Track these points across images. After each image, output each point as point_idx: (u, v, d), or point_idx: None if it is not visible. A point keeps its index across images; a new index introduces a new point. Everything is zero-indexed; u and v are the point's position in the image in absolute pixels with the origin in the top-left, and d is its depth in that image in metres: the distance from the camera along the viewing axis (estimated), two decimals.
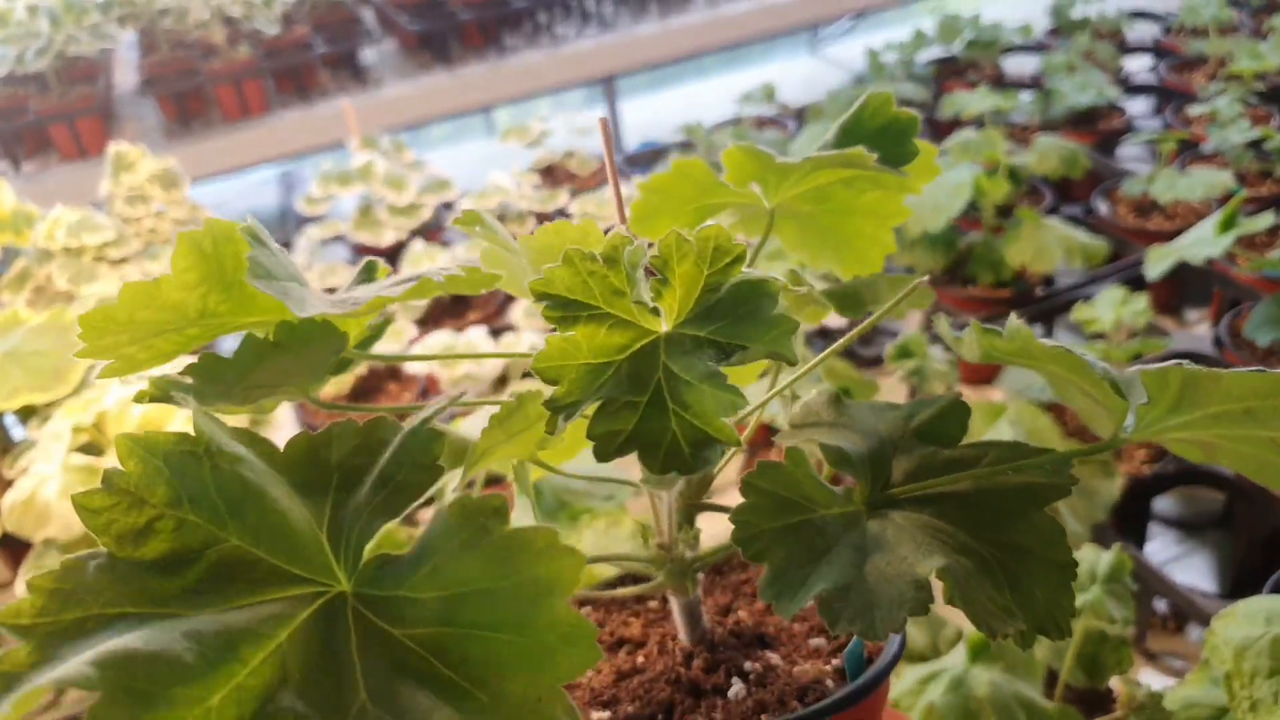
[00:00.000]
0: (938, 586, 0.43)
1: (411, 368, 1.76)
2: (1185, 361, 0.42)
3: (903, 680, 1.01)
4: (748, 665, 0.54)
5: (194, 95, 2.93)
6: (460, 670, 0.34)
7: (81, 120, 2.76)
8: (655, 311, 0.41)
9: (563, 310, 0.40)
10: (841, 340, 0.55)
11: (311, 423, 1.80)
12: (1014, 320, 0.45)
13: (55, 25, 2.65)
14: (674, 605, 0.55)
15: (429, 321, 1.98)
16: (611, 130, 3.31)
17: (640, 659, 0.56)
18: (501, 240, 0.51)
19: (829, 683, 0.52)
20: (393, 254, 2.07)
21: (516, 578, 0.35)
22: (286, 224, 3.23)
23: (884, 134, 0.55)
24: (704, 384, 0.39)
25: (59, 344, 1.46)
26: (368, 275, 0.52)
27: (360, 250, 2.31)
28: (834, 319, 1.64)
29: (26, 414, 1.53)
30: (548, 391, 0.40)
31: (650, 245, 0.43)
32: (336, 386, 1.75)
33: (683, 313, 0.41)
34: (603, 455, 0.39)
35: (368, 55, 3.19)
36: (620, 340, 0.41)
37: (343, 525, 0.39)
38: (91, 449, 1.45)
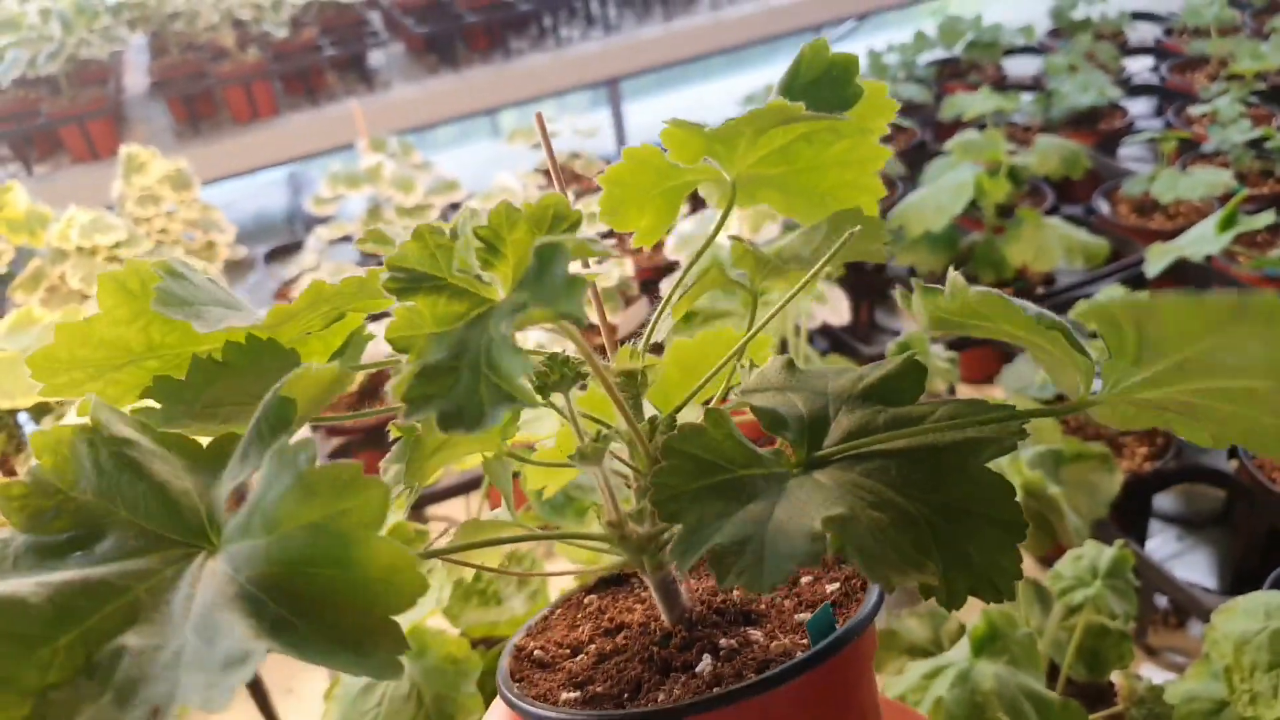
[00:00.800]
0: None
1: None
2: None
3: (908, 676, 1.02)
4: (723, 642, 0.53)
5: (203, 97, 2.96)
6: (288, 605, 0.35)
7: (92, 122, 2.79)
8: (486, 280, 0.42)
9: (404, 282, 0.41)
10: (802, 281, 0.55)
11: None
12: (953, 274, 0.44)
13: (67, 29, 2.68)
14: (649, 584, 0.55)
15: None
16: (613, 130, 3.33)
17: (623, 641, 0.56)
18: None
19: (799, 655, 0.51)
20: None
21: (325, 511, 0.35)
22: (294, 224, 3.26)
23: (823, 81, 0.54)
24: (504, 345, 0.39)
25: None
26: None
27: (367, 251, 2.33)
28: (834, 316, 1.65)
29: (41, 411, 1.55)
30: (403, 360, 0.41)
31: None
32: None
33: (516, 280, 0.41)
34: (410, 414, 0.39)
35: (375, 58, 3.22)
36: (459, 309, 0.41)
37: (218, 493, 0.41)
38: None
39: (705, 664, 0.51)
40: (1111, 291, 1.66)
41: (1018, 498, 0.45)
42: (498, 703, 0.56)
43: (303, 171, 3.45)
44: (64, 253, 1.74)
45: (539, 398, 0.41)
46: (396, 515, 1.23)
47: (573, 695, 0.52)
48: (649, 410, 0.59)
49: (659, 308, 0.57)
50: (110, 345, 0.48)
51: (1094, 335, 0.43)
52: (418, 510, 1.67)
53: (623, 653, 0.55)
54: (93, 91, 2.89)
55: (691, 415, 0.55)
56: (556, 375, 0.51)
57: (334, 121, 2.95)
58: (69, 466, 0.42)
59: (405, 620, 1.04)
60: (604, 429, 0.52)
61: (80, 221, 1.72)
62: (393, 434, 0.57)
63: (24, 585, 0.37)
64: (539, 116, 0.55)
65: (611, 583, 0.64)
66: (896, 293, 0.49)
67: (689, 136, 0.52)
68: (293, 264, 2.20)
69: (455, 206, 2.39)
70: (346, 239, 2.27)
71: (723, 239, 0.59)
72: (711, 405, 0.54)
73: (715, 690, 0.48)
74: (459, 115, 3.15)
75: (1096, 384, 0.44)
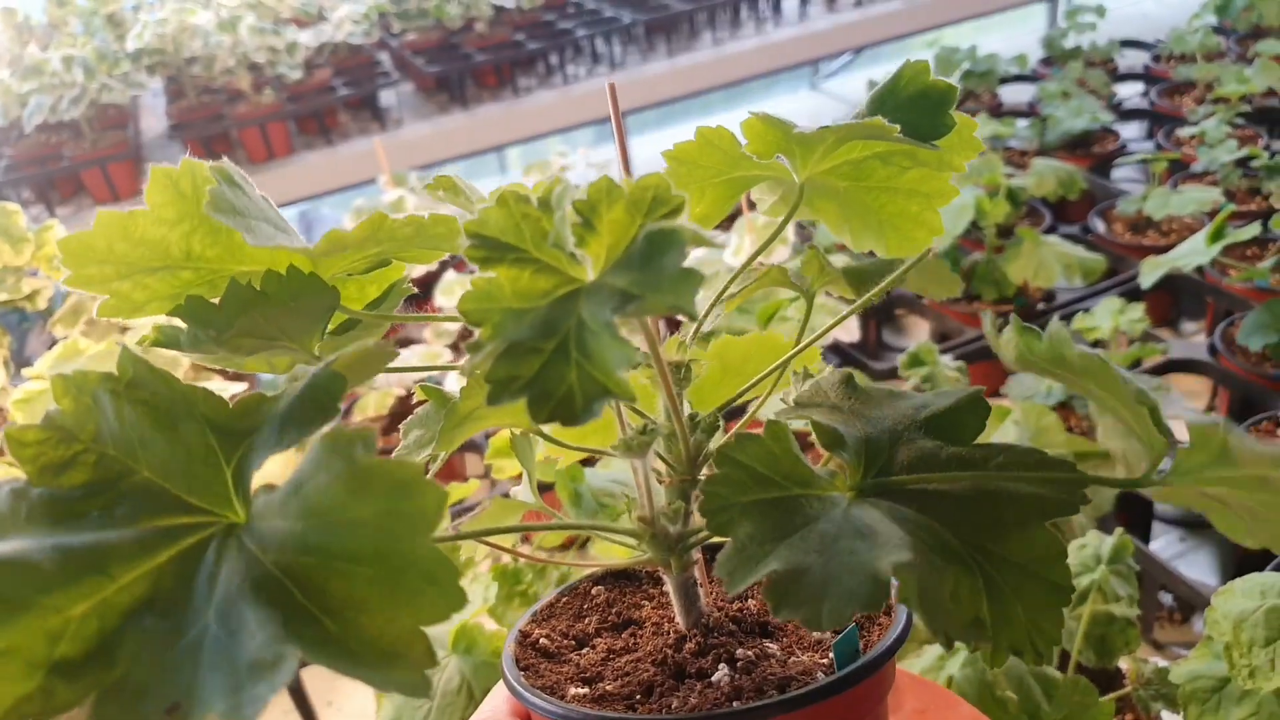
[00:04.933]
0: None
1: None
2: (1227, 422, 0.40)
3: (923, 657, 1.06)
4: (740, 652, 0.51)
5: (220, 139, 3.04)
6: (316, 600, 0.33)
7: (113, 165, 2.87)
8: (579, 259, 0.39)
9: (487, 251, 0.38)
10: (856, 304, 0.54)
11: None
12: (1055, 324, 0.42)
13: (89, 75, 2.76)
14: (669, 584, 0.53)
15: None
16: (619, 164, 3.41)
17: (635, 639, 0.55)
18: (472, 201, 0.51)
19: (820, 675, 0.49)
20: (424, 284, 2.17)
21: (377, 508, 0.33)
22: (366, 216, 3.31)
23: (917, 103, 0.50)
24: (605, 333, 0.35)
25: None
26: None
27: (437, 198, 2.40)
28: (846, 334, 1.71)
29: None
30: (478, 334, 0.38)
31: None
32: (376, 408, 1.84)
33: (610, 261, 0.38)
34: (495, 398, 0.36)
35: (386, 97, 3.30)
36: (544, 285, 0.38)
37: (249, 464, 0.39)
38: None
39: (722, 674, 0.50)
40: (1110, 305, 1.73)
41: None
42: (499, 688, 0.55)
43: (313, 210, 3.52)
44: None
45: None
46: (443, 523, 1.29)
47: (581, 691, 0.50)
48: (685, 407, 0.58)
49: (714, 298, 0.55)
50: (149, 245, 0.45)
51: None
52: None
53: (633, 652, 0.53)
54: (113, 135, 2.97)
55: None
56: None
57: (347, 160, 3.02)
58: (90, 415, 0.38)
59: (456, 618, 1.09)
60: (649, 422, 0.51)
61: None
62: (417, 396, 0.55)
63: (35, 546, 0.34)
64: (611, 87, 0.54)
65: (619, 575, 0.62)
66: (985, 322, 0.46)
67: (770, 130, 0.50)
68: None
69: None
70: None
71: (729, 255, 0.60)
72: (767, 416, 0.51)
73: (735, 705, 0.47)
74: (469, 153, 3.22)
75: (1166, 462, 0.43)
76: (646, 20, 3.37)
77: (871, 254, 0.57)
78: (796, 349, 0.56)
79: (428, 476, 0.34)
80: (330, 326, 0.50)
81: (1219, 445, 0.40)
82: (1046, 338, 0.43)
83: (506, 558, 1.25)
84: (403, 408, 1.89)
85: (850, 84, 4.08)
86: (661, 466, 0.51)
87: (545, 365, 0.36)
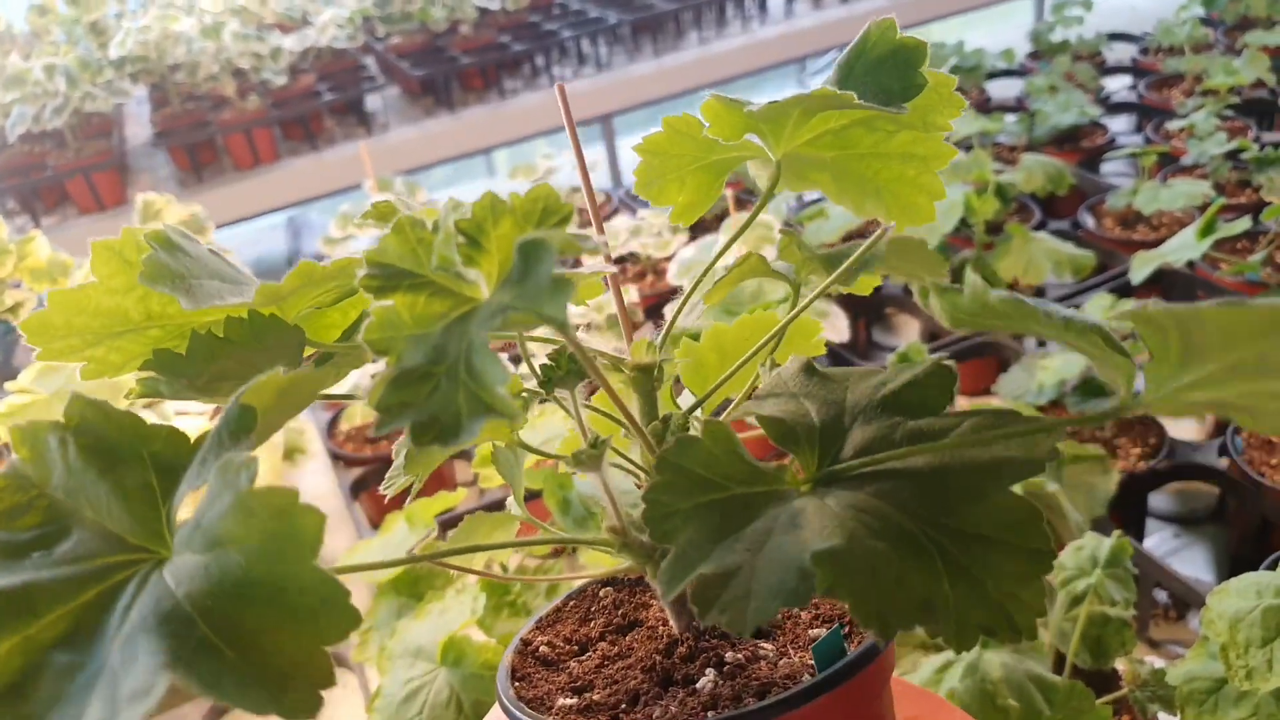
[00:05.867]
0: None
1: None
2: (1155, 301, 0.38)
3: (921, 671, 1.05)
4: (730, 655, 0.50)
5: (205, 146, 3.02)
6: (221, 630, 0.34)
7: (97, 174, 2.85)
8: (471, 279, 0.38)
9: (382, 279, 0.38)
10: (820, 286, 0.52)
11: (337, 451, 1.86)
12: (970, 275, 0.42)
13: (72, 84, 2.75)
14: (657, 591, 0.53)
15: None
16: (608, 165, 3.40)
17: (631, 644, 0.54)
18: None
19: (807, 676, 0.48)
20: None
21: (261, 535, 0.34)
22: (294, 267, 3.31)
23: (886, 64, 0.48)
24: (486, 351, 0.35)
25: (107, 380, 1.53)
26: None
27: (372, 227, 2.39)
28: (834, 334, 1.70)
29: None
30: (384, 363, 0.37)
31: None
32: (363, 416, 1.82)
33: (500, 279, 0.37)
34: (383, 425, 0.35)
35: (372, 101, 3.29)
36: (440, 308, 0.37)
37: (176, 497, 0.40)
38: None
39: (706, 680, 0.49)
40: (1100, 301, 1.72)
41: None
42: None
43: (301, 216, 3.51)
44: None
45: (519, 410, 0.36)
46: (430, 533, 1.26)
47: (569, 702, 0.50)
48: (685, 399, 0.57)
49: (688, 292, 0.54)
50: (107, 314, 0.47)
51: (1126, 337, 0.41)
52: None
53: (627, 657, 0.53)
54: (97, 144, 2.95)
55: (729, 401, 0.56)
56: (562, 370, 0.49)
57: (333, 165, 3.01)
58: (44, 462, 0.40)
59: (443, 631, 1.07)
60: (600, 437, 0.49)
61: None
62: None
63: None
64: (561, 88, 0.54)
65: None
66: (915, 289, 0.45)
67: (728, 111, 0.49)
68: None
69: None
70: None
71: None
72: (728, 411, 0.51)
73: (710, 715, 0.46)
74: (455, 155, 3.21)
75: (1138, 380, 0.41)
76: (632, 20, 3.36)
77: (870, 229, 0.53)
78: (774, 331, 0.54)
79: (304, 501, 0.35)
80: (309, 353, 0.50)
81: (1176, 347, 0.38)
82: (967, 292, 0.41)
83: (496, 567, 1.24)
84: None
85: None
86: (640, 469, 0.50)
87: (436, 389, 0.35)
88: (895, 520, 0.41)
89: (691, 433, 0.49)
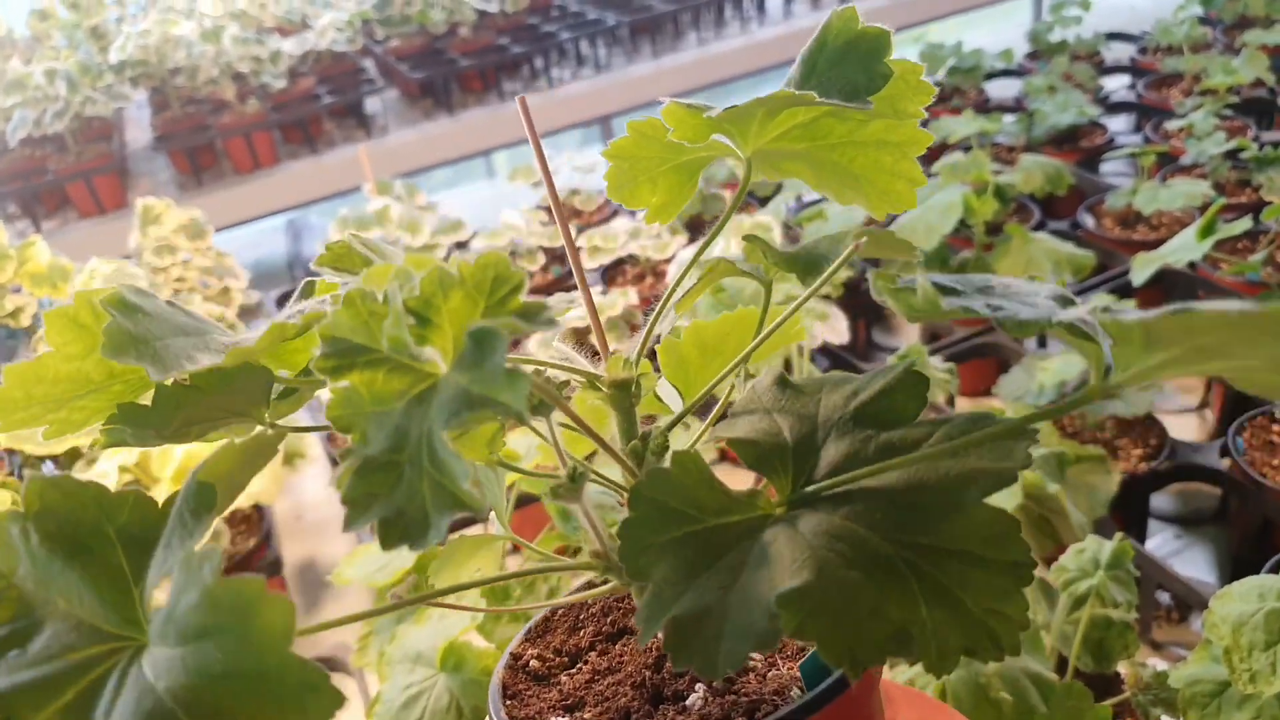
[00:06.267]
0: None
1: None
2: (1108, 308, 0.38)
3: (914, 665, 1.05)
4: None
5: (205, 149, 3.03)
6: None
7: (98, 178, 2.85)
8: (425, 356, 0.37)
9: (336, 359, 0.36)
10: (803, 296, 0.51)
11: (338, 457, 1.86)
12: (922, 281, 0.41)
13: (72, 88, 2.75)
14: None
15: None
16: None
17: (618, 658, 0.54)
18: (370, 261, 0.50)
19: (795, 691, 0.48)
20: None
21: (233, 628, 0.34)
22: (295, 270, 3.31)
23: (850, 55, 0.47)
24: (446, 447, 0.34)
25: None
26: (306, 295, 0.52)
27: (328, 271, 2.39)
28: (834, 335, 1.70)
29: (72, 456, 1.60)
30: (347, 440, 0.37)
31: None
32: None
33: (456, 353, 0.36)
34: (351, 521, 0.35)
35: (371, 104, 3.29)
36: (399, 385, 0.36)
37: (147, 582, 0.39)
38: (137, 487, 1.51)
39: (696, 696, 0.48)
40: (1100, 301, 1.72)
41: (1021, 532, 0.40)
42: None
43: (301, 218, 3.51)
44: None
45: (482, 503, 0.36)
46: None
47: None
48: (670, 396, 0.56)
49: (660, 303, 0.53)
50: (68, 379, 0.46)
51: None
52: None
53: (617, 671, 0.52)
54: (98, 147, 2.95)
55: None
56: (535, 400, 0.47)
57: (333, 168, 3.02)
58: (9, 552, 0.39)
59: (443, 636, 1.07)
60: (578, 464, 0.49)
61: (103, 272, 1.77)
62: None
63: None
64: (522, 101, 0.54)
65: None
66: (872, 281, 0.44)
67: (689, 117, 0.48)
68: (303, 306, 2.25)
69: (461, 245, 2.45)
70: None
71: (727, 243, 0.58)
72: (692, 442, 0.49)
73: None
74: (455, 158, 3.22)
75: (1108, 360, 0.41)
76: (630, 22, 3.36)
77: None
78: (757, 340, 0.53)
79: (270, 591, 0.34)
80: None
81: (1138, 335, 0.38)
82: (920, 296, 0.41)
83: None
84: None
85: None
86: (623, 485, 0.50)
87: (399, 480, 0.35)
88: (869, 544, 0.39)
89: (670, 453, 0.48)
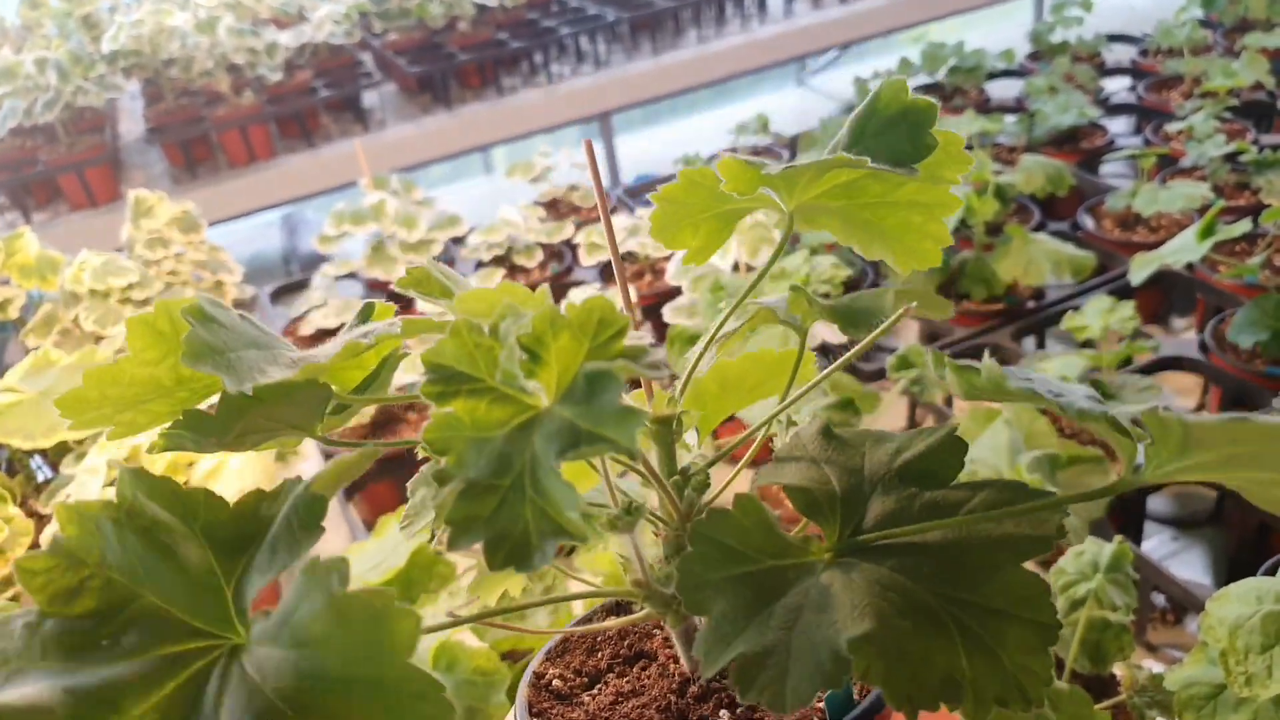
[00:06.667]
0: None
1: None
2: (1168, 407, 0.41)
3: None
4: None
5: (200, 142, 3.00)
6: None
7: (90, 170, 2.83)
8: (531, 389, 0.40)
9: (443, 385, 0.39)
10: (844, 357, 0.55)
11: (332, 453, 1.85)
12: (988, 362, 0.44)
13: (63, 78, 2.73)
14: (672, 634, 0.54)
15: None
16: (606, 163, 3.39)
17: (643, 680, 0.55)
18: (449, 290, 0.53)
19: (817, 719, 0.49)
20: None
21: (359, 638, 0.36)
22: (291, 264, 3.30)
23: (897, 125, 0.50)
24: (555, 475, 0.36)
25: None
26: (365, 316, 0.55)
27: (373, 286, 2.38)
28: (832, 335, 1.70)
29: (60, 451, 1.58)
30: (441, 461, 0.39)
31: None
32: (357, 418, 1.81)
33: (560, 389, 0.39)
34: (455, 543, 0.37)
35: (369, 98, 3.27)
36: (501, 415, 0.39)
37: (248, 583, 0.41)
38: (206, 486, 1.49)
39: None
40: (1100, 303, 1.71)
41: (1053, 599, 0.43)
42: None
43: (297, 213, 3.49)
44: (77, 296, 1.78)
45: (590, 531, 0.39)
46: (422, 538, 1.25)
47: None
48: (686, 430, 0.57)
49: (704, 343, 0.56)
50: (140, 383, 0.48)
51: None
52: None
53: (640, 695, 0.54)
54: (90, 139, 2.93)
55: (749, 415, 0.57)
56: None
57: (329, 162, 3.00)
58: (94, 541, 0.41)
59: (434, 637, 1.06)
60: (633, 500, 0.51)
61: (93, 265, 1.75)
62: (420, 454, 0.57)
63: (48, 687, 0.37)
64: (588, 144, 0.56)
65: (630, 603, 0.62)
66: (929, 359, 0.48)
67: (744, 171, 0.51)
68: (299, 302, 2.24)
69: (458, 241, 2.43)
70: (351, 275, 2.31)
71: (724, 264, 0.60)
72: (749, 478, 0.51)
73: None
74: (453, 153, 3.20)
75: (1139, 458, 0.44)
76: (631, 18, 3.35)
77: (872, 273, 0.56)
78: (787, 402, 0.55)
79: (399, 603, 0.36)
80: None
81: (1178, 436, 0.41)
82: (984, 376, 0.44)
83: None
84: (383, 415, 1.86)
85: (837, 80, 4.06)
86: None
87: (502, 503, 0.36)
88: (917, 596, 0.43)
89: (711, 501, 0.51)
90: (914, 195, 0.54)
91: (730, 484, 0.55)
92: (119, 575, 0.40)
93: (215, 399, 0.48)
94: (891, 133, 0.50)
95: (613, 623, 0.57)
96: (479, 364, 0.39)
